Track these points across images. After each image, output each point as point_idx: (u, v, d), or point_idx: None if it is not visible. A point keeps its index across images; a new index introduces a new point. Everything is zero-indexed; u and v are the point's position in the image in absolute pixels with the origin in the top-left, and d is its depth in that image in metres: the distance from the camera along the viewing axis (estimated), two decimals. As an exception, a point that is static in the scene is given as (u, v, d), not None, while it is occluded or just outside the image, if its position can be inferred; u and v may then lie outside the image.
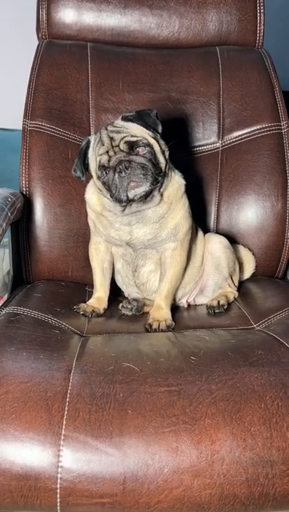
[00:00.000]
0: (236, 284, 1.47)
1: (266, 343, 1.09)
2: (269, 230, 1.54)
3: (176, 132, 1.55)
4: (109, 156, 1.21)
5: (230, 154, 1.59)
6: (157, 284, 1.34)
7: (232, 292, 1.43)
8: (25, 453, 0.86)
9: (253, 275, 1.56)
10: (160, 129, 1.25)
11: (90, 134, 1.48)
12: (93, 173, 1.27)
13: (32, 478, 0.86)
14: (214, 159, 1.59)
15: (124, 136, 1.21)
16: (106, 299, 1.37)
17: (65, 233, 1.49)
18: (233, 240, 1.51)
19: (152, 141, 1.23)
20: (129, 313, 1.34)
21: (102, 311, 1.34)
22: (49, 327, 1.17)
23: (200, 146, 1.61)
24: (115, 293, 1.43)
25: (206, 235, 1.46)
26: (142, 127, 1.24)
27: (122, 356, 1.01)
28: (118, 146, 1.21)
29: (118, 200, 1.21)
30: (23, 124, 1.53)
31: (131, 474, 0.85)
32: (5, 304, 1.30)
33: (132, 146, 1.21)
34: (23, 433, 0.87)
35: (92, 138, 1.27)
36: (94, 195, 1.32)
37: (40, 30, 1.67)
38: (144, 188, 1.20)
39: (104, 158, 1.21)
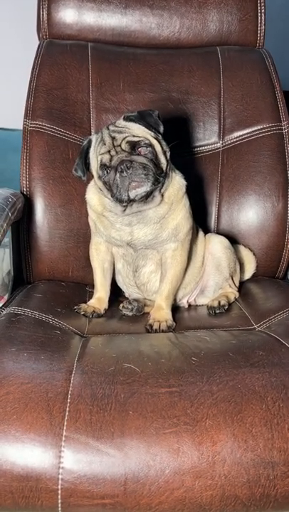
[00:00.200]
0: (237, 284, 1.47)
1: (267, 344, 1.08)
2: (270, 231, 1.54)
3: (176, 132, 1.55)
4: (111, 156, 1.21)
5: (231, 154, 1.58)
6: (158, 284, 1.34)
7: (233, 293, 1.43)
8: (27, 454, 0.86)
9: (254, 275, 1.56)
10: (162, 129, 1.26)
11: (90, 134, 1.47)
12: (94, 173, 1.27)
13: (33, 479, 0.86)
14: (215, 159, 1.59)
15: (126, 136, 1.21)
16: (107, 299, 1.37)
17: (66, 233, 1.49)
18: (233, 241, 1.51)
19: (154, 142, 1.23)
20: (130, 314, 1.34)
21: (102, 312, 1.34)
22: (50, 327, 1.17)
23: (201, 146, 1.60)
24: (116, 293, 1.43)
25: (207, 235, 1.46)
26: (143, 127, 1.24)
27: (122, 357, 1.01)
28: (120, 145, 1.21)
29: (119, 200, 1.21)
30: (24, 124, 1.53)
31: (132, 475, 0.85)
32: (5, 305, 1.30)
33: (134, 146, 1.21)
34: (24, 434, 0.87)
35: (94, 137, 1.27)
36: (95, 196, 1.32)
37: (41, 30, 1.67)
38: (145, 188, 1.19)
39: (106, 157, 1.21)
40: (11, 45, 2.43)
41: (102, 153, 1.22)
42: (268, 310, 1.30)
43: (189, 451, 0.86)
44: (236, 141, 1.59)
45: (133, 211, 1.24)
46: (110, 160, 1.21)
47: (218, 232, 1.54)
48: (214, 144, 1.60)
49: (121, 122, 1.26)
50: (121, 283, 1.42)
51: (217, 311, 1.34)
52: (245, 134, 1.59)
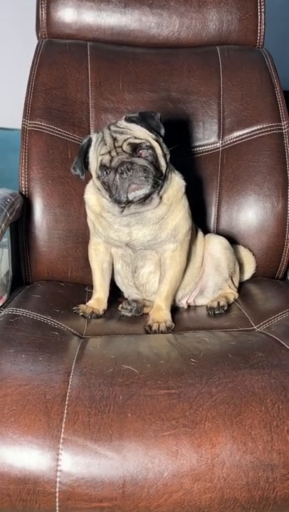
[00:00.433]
0: (236, 284, 1.46)
1: (267, 345, 1.08)
2: (269, 231, 1.53)
3: (176, 132, 1.55)
4: (112, 157, 1.20)
5: (231, 154, 1.58)
6: (157, 285, 1.34)
7: (232, 293, 1.42)
8: (24, 456, 0.85)
9: (253, 276, 1.55)
10: (163, 132, 1.25)
11: (89, 134, 1.47)
12: (93, 173, 1.27)
13: (31, 481, 0.85)
14: (214, 159, 1.59)
15: (128, 138, 1.21)
16: (105, 300, 1.36)
17: (65, 234, 1.48)
18: (233, 241, 1.51)
19: (155, 144, 1.23)
20: (129, 315, 1.33)
21: (101, 312, 1.34)
22: (48, 328, 1.16)
23: (200, 146, 1.60)
24: (115, 294, 1.42)
25: (206, 235, 1.46)
26: (145, 129, 1.23)
27: (121, 358, 1.01)
28: (121, 147, 1.20)
29: (117, 201, 1.20)
30: (23, 123, 1.52)
31: (130, 478, 0.85)
32: (4, 305, 1.29)
33: (135, 148, 1.20)
34: (22, 436, 0.86)
35: (94, 137, 1.26)
36: (93, 196, 1.32)
37: (40, 29, 1.66)
38: (145, 190, 1.19)
39: (106, 158, 1.20)
40: (10, 45, 2.42)
41: (103, 154, 1.21)
42: (268, 311, 1.29)
43: (188, 453, 0.86)
44: (236, 141, 1.59)
45: (131, 212, 1.24)
46: (111, 161, 1.20)
47: (218, 233, 1.54)
48: (214, 143, 1.60)
49: (122, 123, 1.25)
50: (120, 283, 1.42)
51: (216, 312, 1.33)
52: (244, 134, 1.58)
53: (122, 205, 1.22)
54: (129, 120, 1.25)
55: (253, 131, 1.58)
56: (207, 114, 1.60)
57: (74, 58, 1.60)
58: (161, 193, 1.25)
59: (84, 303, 1.36)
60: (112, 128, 1.24)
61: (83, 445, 0.85)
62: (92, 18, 1.65)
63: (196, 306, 1.43)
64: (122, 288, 1.43)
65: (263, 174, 1.54)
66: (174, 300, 1.36)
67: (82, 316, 1.30)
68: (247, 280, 1.54)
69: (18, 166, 1.50)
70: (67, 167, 1.45)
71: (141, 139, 1.22)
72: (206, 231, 1.51)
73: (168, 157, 1.26)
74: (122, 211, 1.23)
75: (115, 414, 0.88)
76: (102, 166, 1.21)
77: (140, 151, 1.20)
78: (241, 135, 1.58)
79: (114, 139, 1.21)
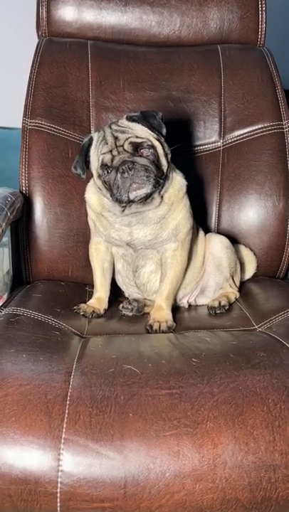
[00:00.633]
0: (237, 284, 1.46)
1: (268, 345, 1.08)
2: (270, 230, 1.53)
3: (177, 131, 1.54)
4: (113, 156, 1.20)
5: (232, 154, 1.57)
6: (158, 284, 1.33)
7: (233, 293, 1.42)
8: (25, 457, 0.85)
9: (255, 275, 1.55)
10: (164, 131, 1.25)
11: (90, 133, 1.47)
12: (94, 172, 1.26)
13: (32, 482, 0.85)
14: (215, 159, 1.58)
15: (129, 137, 1.20)
16: (106, 299, 1.36)
17: (65, 233, 1.48)
18: (234, 240, 1.50)
19: (156, 144, 1.22)
20: (130, 314, 1.33)
21: (102, 312, 1.34)
22: (49, 328, 1.16)
23: (201, 145, 1.59)
24: (116, 293, 1.42)
25: (207, 235, 1.45)
26: (146, 129, 1.23)
27: (122, 358, 1.00)
28: (122, 146, 1.20)
29: (118, 201, 1.20)
30: (23, 122, 1.52)
31: (132, 478, 0.84)
32: (4, 305, 1.29)
33: (137, 147, 1.20)
34: (23, 436, 0.86)
35: (95, 135, 1.26)
36: (94, 195, 1.31)
37: (40, 28, 1.66)
38: (146, 190, 1.19)
39: (108, 157, 1.20)
40: (10, 43, 2.42)
41: (104, 153, 1.21)
42: (269, 310, 1.29)
43: (190, 453, 0.85)
44: (237, 140, 1.58)
45: (132, 212, 1.23)
46: (112, 160, 1.20)
47: (219, 232, 1.53)
48: (215, 142, 1.59)
49: (124, 122, 1.25)
50: (121, 283, 1.41)
51: (218, 312, 1.33)
52: (246, 133, 1.58)
53: (123, 205, 1.21)
54: (130, 119, 1.24)
55: (254, 130, 1.57)
56: (208, 113, 1.60)
57: (74, 57, 1.59)
58: (162, 192, 1.25)
59: (85, 302, 1.35)
60: (114, 127, 1.23)
61: (84, 445, 0.85)
62: (93, 16, 1.64)
63: (197, 305, 1.43)
64: (123, 287, 1.42)
65: (264, 173, 1.54)
66: (174, 299, 1.36)
67: (83, 315, 1.30)
68: (248, 280, 1.54)
69: (19, 165, 1.49)
70: (68, 166, 1.45)
71: (142, 138, 1.21)
72: (207, 230, 1.51)
73: (169, 156, 1.26)
74: (123, 210, 1.23)
75: (117, 414, 0.88)
76: (103, 165, 1.21)
77: (142, 151, 1.20)
78: (242, 134, 1.58)
79: (116, 138, 1.21)
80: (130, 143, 1.20)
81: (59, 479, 0.84)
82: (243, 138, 1.58)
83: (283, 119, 1.57)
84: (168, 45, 1.67)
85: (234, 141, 1.58)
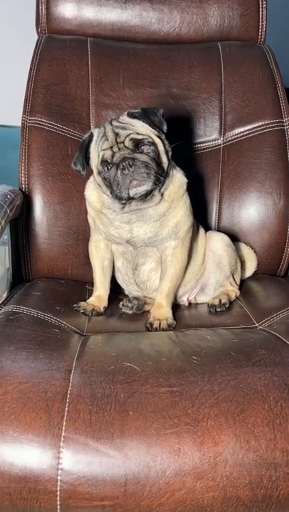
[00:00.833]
0: (238, 282, 1.45)
1: (269, 343, 1.07)
2: (271, 228, 1.52)
3: (177, 129, 1.53)
4: (113, 152, 1.19)
5: (232, 151, 1.57)
6: (158, 282, 1.33)
7: (233, 290, 1.42)
8: (25, 455, 0.85)
9: (255, 273, 1.55)
10: (165, 128, 1.24)
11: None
12: (94, 168, 1.26)
13: (31, 480, 0.84)
14: (216, 156, 1.58)
15: (130, 133, 1.20)
16: (106, 297, 1.36)
17: (65, 231, 1.47)
18: (234, 238, 1.50)
19: (157, 141, 1.22)
20: (130, 312, 1.33)
21: (102, 310, 1.33)
22: (49, 326, 1.15)
23: (201, 142, 1.59)
24: (116, 291, 1.42)
25: (208, 232, 1.45)
26: (147, 125, 1.22)
27: (122, 356, 1.00)
28: (123, 142, 1.19)
29: (118, 198, 1.20)
30: (23, 120, 1.51)
31: (132, 476, 0.84)
32: (4, 303, 1.29)
33: (137, 143, 1.19)
34: (23, 434, 0.85)
35: (96, 131, 1.25)
36: (94, 192, 1.31)
37: (40, 25, 1.65)
38: (146, 187, 1.18)
39: (108, 153, 1.19)
40: (10, 41, 2.41)
41: (104, 149, 1.20)
42: (270, 308, 1.29)
43: (190, 451, 0.85)
44: (237, 138, 1.58)
45: (132, 209, 1.23)
46: (112, 156, 1.19)
47: (219, 230, 1.53)
48: (215, 140, 1.59)
49: (125, 118, 1.24)
50: (121, 281, 1.41)
51: (218, 309, 1.32)
52: (246, 131, 1.57)
53: (123, 202, 1.21)
54: (131, 116, 1.24)
55: (254, 127, 1.57)
56: (208, 110, 1.59)
57: (74, 54, 1.59)
58: (162, 189, 1.24)
59: (84, 300, 1.35)
60: (114, 123, 1.23)
61: (84, 443, 0.85)
62: (93, 13, 1.63)
63: (197, 303, 1.43)
64: (123, 285, 1.42)
65: (265, 171, 1.53)
66: (175, 297, 1.35)
67: (82, 313, 1.29)
68: (248, 277, 1.54)
69: (18, 163, 1.49)
70: (68, 163, 1.44)
71: (143, 134, 1.21)
72: (208, 228, 1.50)
73: (170, 154, 1.25)
74: (123, 208, 1.22)
75: (117, 412, 0.87)
76: (104, 162, 1.20)
77: (142, 147, 1.20)
78: (243, 132, 1.57)
79: (116, 135, 1.20)
80: (131, 139, 1.19)
81: (59, 477, 0.84)
82: (243, 135, 1.57)
83: (284, 116, 1.57)
84: (168, 42, 1.67)
85: (234, 138, 1.58)
